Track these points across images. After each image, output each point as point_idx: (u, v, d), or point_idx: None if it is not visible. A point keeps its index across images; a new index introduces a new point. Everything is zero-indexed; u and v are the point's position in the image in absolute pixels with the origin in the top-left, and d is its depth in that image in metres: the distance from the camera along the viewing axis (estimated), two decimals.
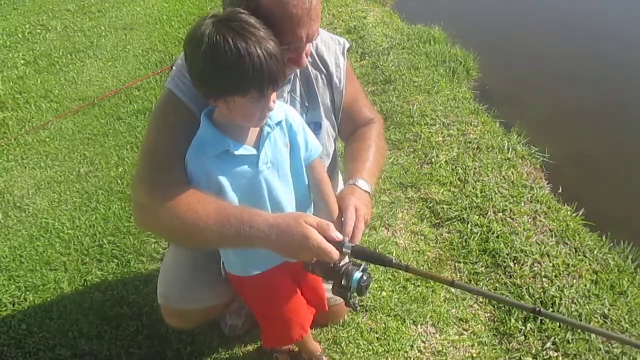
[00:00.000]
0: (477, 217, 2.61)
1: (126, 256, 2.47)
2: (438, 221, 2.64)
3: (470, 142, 3.17)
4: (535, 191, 2.78)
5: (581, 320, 2.07)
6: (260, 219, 1.25)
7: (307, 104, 1.60)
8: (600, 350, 1.98)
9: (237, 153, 1.33)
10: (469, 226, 2.57)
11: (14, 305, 2.26)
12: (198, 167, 1.34)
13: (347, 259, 1.34)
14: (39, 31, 5.11)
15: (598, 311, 2.12)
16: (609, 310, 2.13)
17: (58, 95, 3.93)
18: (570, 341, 2.01)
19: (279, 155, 1.41)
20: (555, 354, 1.99)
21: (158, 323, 2.04)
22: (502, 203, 2.69)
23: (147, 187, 1.35)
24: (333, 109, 1.65)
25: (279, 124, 1.41)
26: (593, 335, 2.02)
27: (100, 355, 2.04)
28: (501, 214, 2.63)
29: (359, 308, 1.36)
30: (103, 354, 2.04)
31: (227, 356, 2.03)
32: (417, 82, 3.83)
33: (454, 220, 2.62)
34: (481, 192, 2.76)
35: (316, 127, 1.61)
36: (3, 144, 3.36)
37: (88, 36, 4.93)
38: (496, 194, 2.75)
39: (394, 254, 2.43)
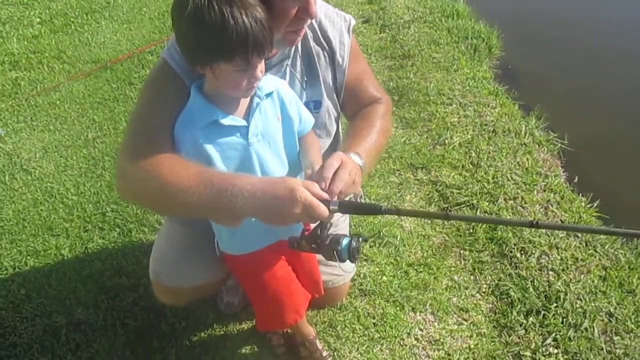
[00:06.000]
0: (487, 204, 2.54)
1: (128, 225, 2.45)
2: (446, 205, 2.57)
3: (486, 125, 3.07)
4: (550, 179, 2.69)
5: (585, 318, 2.01)
6: (244, 178, 1.20)
7: (306, 80, 1.52)
8: (602, 349, 1.93)
9: (225, 123, 1.29)
10: (478, 212, 2.50)
11: (14, 269, 2.27)
12: (186, 137, 1.30)
13: (331, 230, 1.30)
14: None
15: (603, 309, 2.05)
16: (615, 308, 2.06)
17: (71, 57, 3.88)
18: (572, 338, 1.96)
19: (270, 127, 1.37)
20: (555, 351, 1.94)
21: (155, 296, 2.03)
22: (514, 190, 2.60)
23: (131, 154, 1.30)
24: (335, 87, 1.56)
25: (269, 95, 1.36)
26: (595, 334, 1.96)
27: (95, 325, 2.03)
28: (512, 202, 2.55)
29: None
30: (98, 323, 2.04)
31: (222, 333, 2.02)
32: (436, 58, 3.71)
33: (463, 206, 2.55)
34: (493, 178, 2.67)
35: (316, 105, 1.55)
36: (14, 105, 3.35)
37: None
38: (508, 180, 2.66)
39: (399, 237, 2.37)
